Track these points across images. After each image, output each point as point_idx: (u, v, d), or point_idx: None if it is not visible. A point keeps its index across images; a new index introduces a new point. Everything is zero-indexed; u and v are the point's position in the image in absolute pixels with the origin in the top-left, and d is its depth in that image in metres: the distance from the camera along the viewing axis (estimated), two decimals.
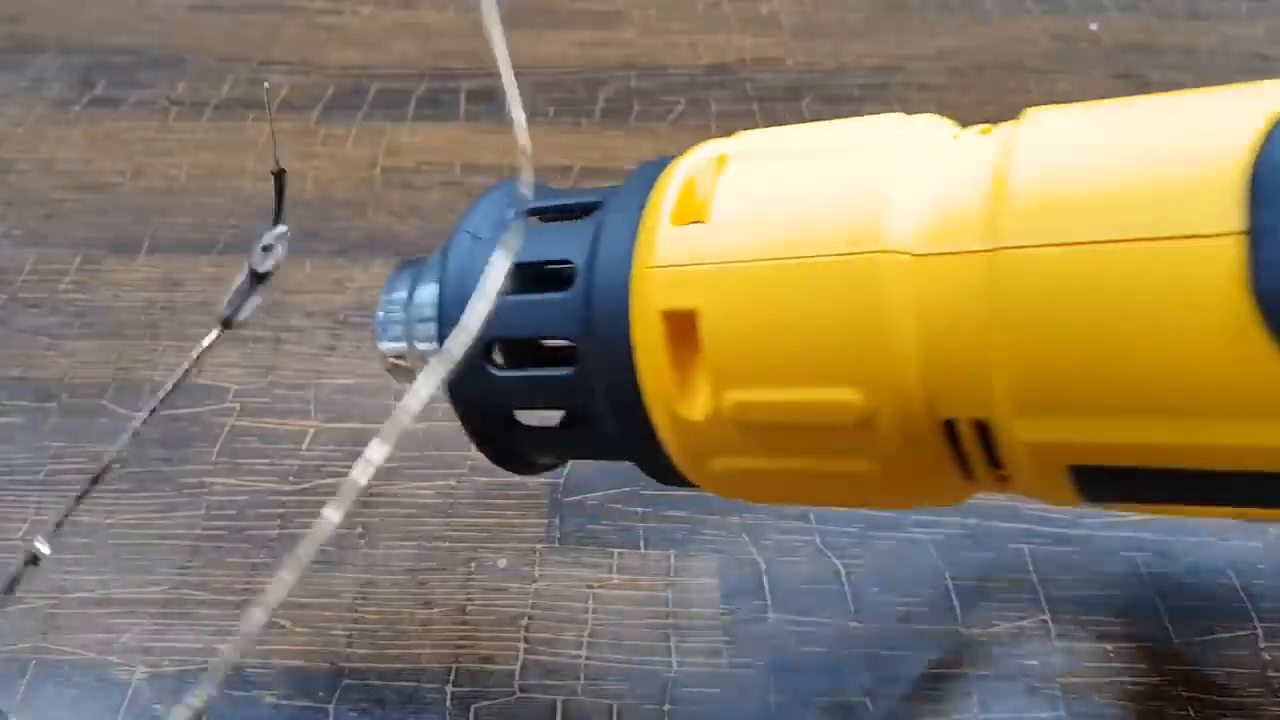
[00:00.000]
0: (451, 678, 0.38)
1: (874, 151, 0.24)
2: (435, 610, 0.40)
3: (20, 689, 0.37)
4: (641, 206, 0.26)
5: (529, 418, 0.30)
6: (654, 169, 0.27)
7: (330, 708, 0.37)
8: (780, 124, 0.64)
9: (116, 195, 0.59)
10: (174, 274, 0.54)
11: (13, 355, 0.49)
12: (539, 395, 0.28)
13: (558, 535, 0.42)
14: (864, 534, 0.42)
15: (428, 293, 0.29)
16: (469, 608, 0.40)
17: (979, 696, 0.37)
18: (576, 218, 0.28)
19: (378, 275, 0.53)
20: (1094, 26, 0.74)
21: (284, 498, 0.43)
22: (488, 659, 0.38)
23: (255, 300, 0.31)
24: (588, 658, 0.38)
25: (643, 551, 0.42)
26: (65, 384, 0.48)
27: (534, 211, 0.29)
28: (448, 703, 0.37)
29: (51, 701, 0.37)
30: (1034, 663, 0.38)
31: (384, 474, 0.45)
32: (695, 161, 0.26)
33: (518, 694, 0.37)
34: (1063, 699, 0.37)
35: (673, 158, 0.27)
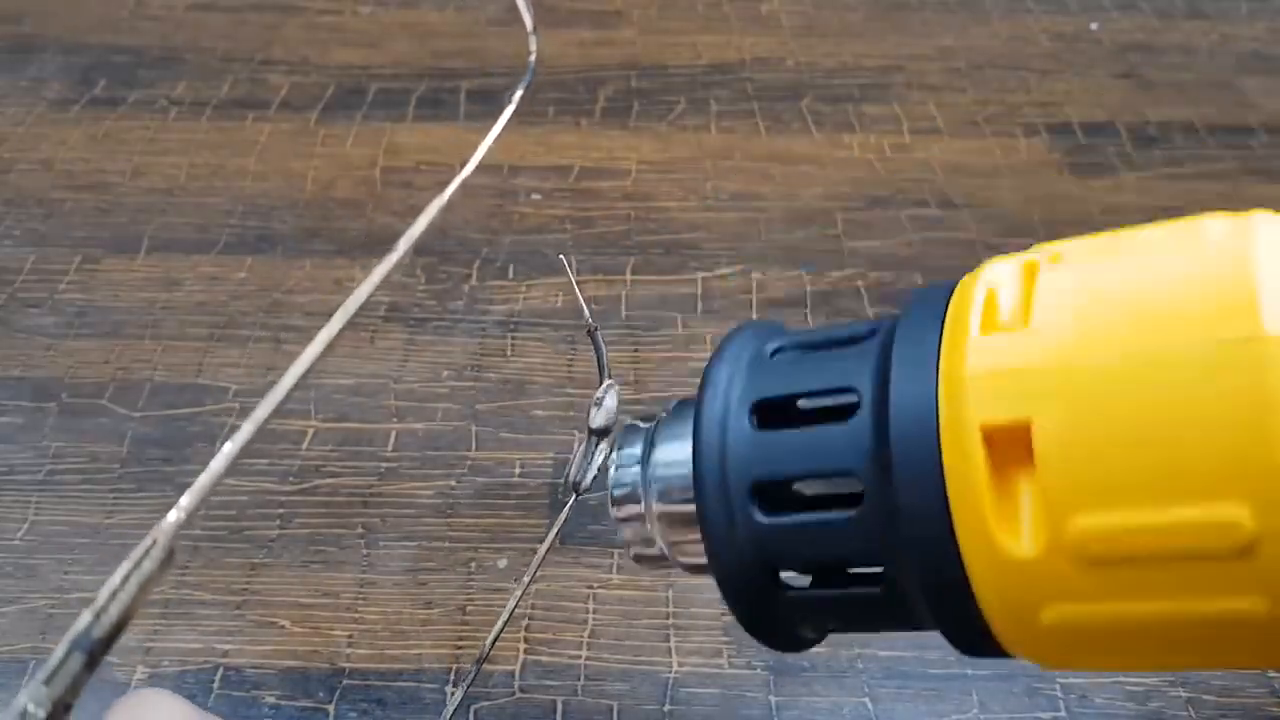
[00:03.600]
0: (451, 678, 0.38)
1: (1222, 237, 0.20)
2: (435, 610, 0.40)
3: (20, 689, 0.37)
4: (938, 319, 0.22)
5: (797, 580, 0.26)
6: (937, 290, 0.23)
7: (330, 708, 0.37)
8: (781, 123, 0.64)
9: (116, 195, 0.59)
10: (173, 274, 0.54)
11: (13, 355, 0.49)
12: (810, 544, 0.24)
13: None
14: None
15: (670, 452, 0.26)
16: (469, 608, 0.40)
17: (979, 696, 0.37)
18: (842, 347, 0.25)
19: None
20: (1094, 26, 0.74)
21: (284, 498, 0.43)
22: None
23: (600, 459, 0.31)
24: (588, 658, 0.38)
25: None
26: (65, 384, 0.48)
27: (784, 350, 0.26)
28: (448, 703, 0.37)
29: None
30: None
31: (384, 474, 0.45)
32: (992, 274, 0.23)
33: (518, 694, 0.37)
34: (1063, 699, 0.37)
35: (954, 283, 0.23)
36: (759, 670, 0.38)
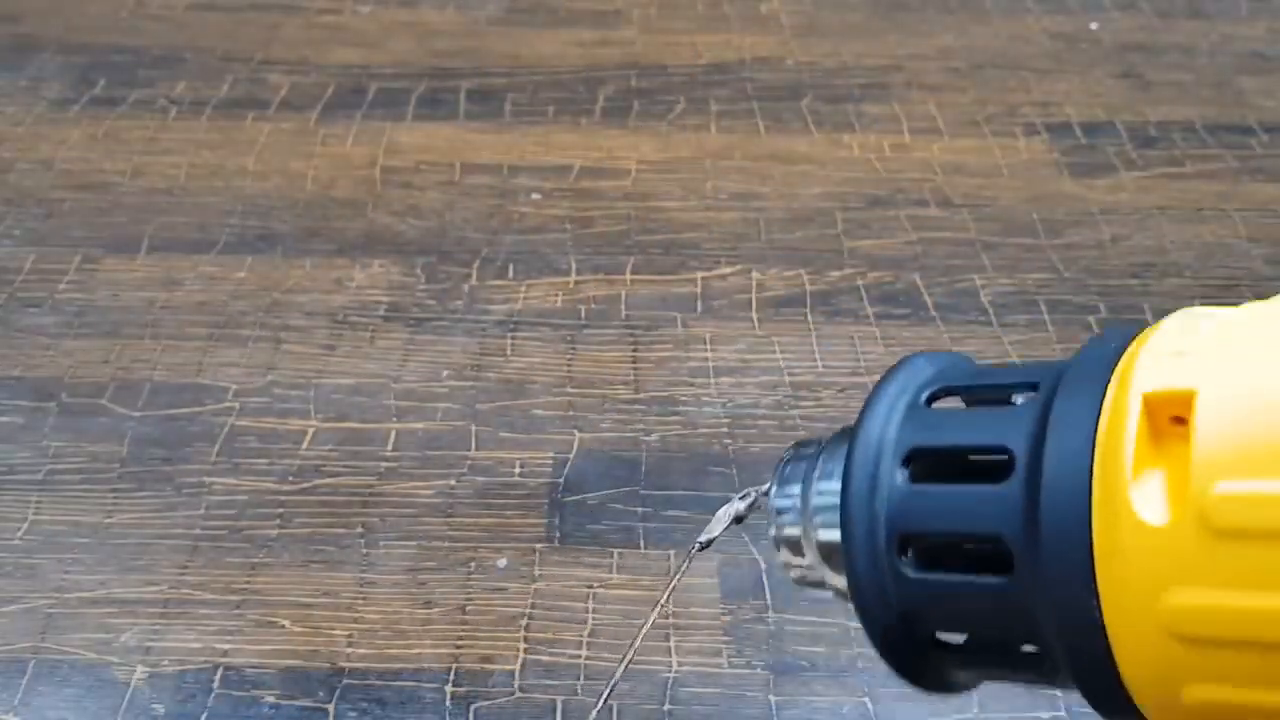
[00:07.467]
0: (451, 678, 0.38)
1: None
2: (435, 610, 0.40)
3: (20, 689, 0.37)
4: (1104, 375, 0.21)
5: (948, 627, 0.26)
6: (1105, 344, 0.23)
7: (330, 708, 0.37)
8: (781, 123, 0.64)
9: (116, 195, 0.59)
10: (173, 274, 0.54)
11: (13, 355, 0.49)
12: (958, 608, 0.24)
13: (558, 535, 0.42)
14: None
15: (829, 484, 0.26)
16: (468, 607, 0.40)
17: (979, 696, 0.37)
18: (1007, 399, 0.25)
19: (377, 274, 0.53)
20: (1094, 26, 0.74)
21: (283, 497, 0.43)
22: (488, 659, 0.38)
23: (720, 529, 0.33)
24: (588, 658, 0.38)
25: (643, 551, 0.42)
26: (65, 384, 0.48)
27: (952, 391, 0.26)
28: (447, 703, 0.37)
29: (51, 701, 0.37)
30: None
31: (384, 474, 0.45)
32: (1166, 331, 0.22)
33: (518, 694, 0.37)
34: (1063, 699, 0.37)
35: (1127, 333, 0.23)
36: (759, 670, 0.38)
